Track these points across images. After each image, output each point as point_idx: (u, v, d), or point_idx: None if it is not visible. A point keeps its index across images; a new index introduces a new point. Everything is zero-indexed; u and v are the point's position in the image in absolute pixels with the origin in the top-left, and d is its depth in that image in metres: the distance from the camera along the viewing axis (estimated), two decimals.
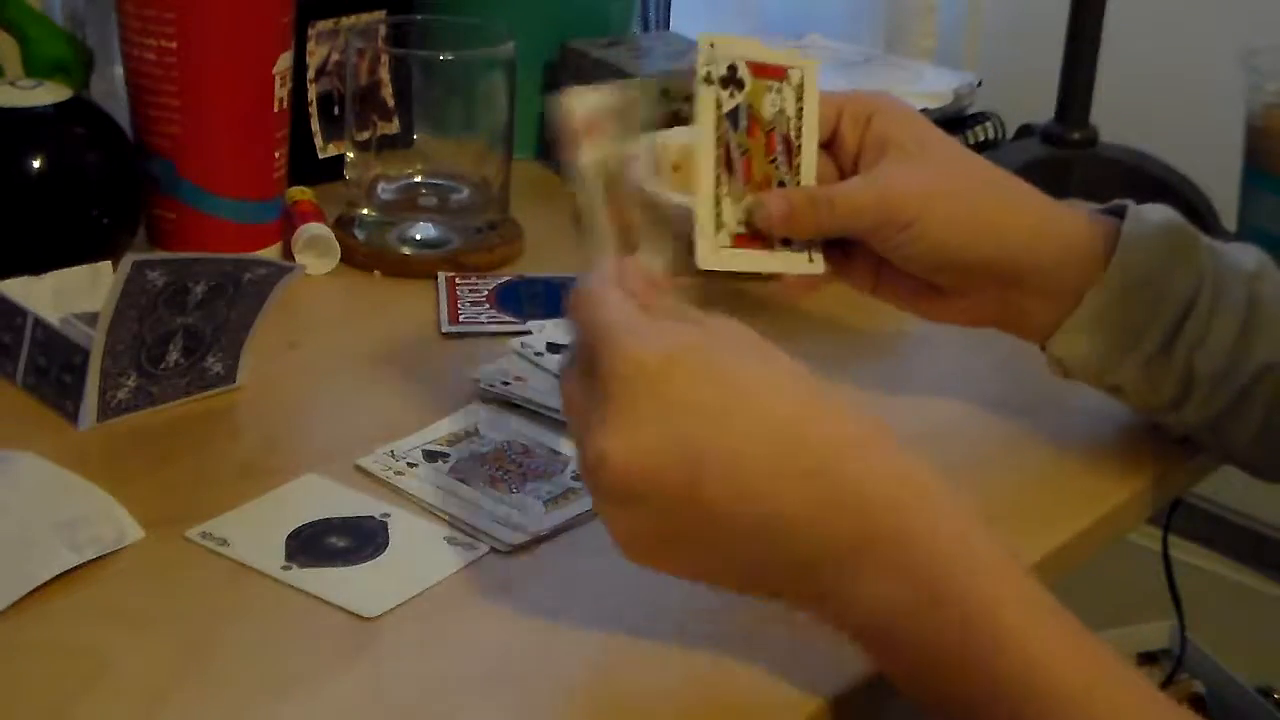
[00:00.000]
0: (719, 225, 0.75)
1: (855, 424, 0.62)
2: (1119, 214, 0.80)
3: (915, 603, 0.59)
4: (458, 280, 0.97)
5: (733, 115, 0.76)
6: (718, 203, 0.76)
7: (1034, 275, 0.78)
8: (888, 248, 0.78)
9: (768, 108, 0.77)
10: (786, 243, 0.78)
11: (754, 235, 0.77)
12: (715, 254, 0.75)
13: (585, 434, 0.61)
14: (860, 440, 0.62)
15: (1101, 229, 0.79)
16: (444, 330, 0.92)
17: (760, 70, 0.77)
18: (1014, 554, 0.61)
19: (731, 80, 0.76)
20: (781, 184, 0.77)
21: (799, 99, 0.78)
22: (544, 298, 0.96)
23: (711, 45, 0.76)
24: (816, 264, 0.79)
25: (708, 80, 0.75)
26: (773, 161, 0.77)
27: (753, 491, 0.60)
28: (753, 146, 0.77)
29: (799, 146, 0.78)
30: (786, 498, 0.60)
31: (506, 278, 0.98)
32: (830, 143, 0.80)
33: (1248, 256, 0.80)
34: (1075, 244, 0.79)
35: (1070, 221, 0.79)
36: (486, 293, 0.96)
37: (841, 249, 0.81)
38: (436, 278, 0.97)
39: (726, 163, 0.76)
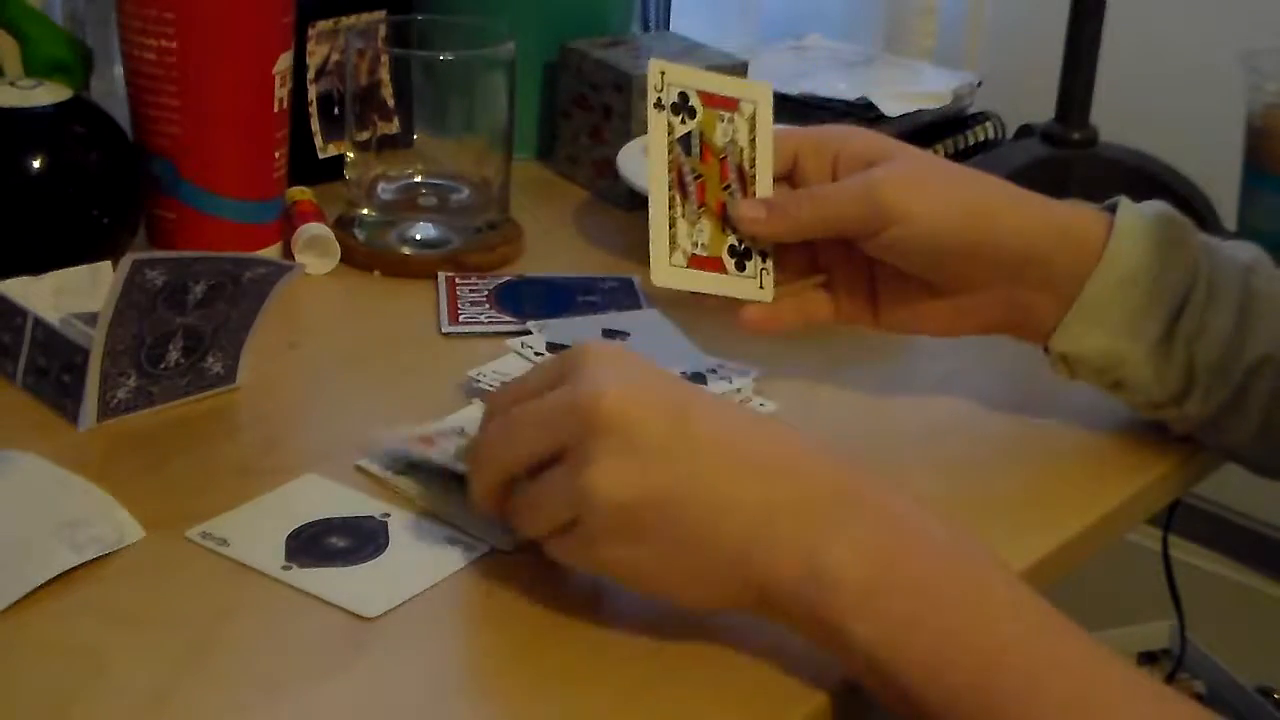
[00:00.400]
0: (673, 246, 0.76)
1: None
2: (1113, 210, 0.80)
3: (895, 546, 0.62)
4: (458, 280, 0.97)
5: (685, 141, 0.77)
6: (672, 224, 0.77)
7: (1031, 266, 0.78)
8: (881, 246, 0.78)
9: (720, 137, 0.78)
10: (741, 268, 0.78)
11: (709, 259, 0.78)
12: (667, 273, 0.77)
13: (559, 400, 0.64)
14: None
15: (1096, 220, 0.79)
16: (444, 330, 0.92)
17: (711, 100, 0.78)
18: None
19: (683, 108, 0.77)
20: None
21: (752, 130, 0.79)
22: (544, 298, 0.96)
23: (662, 73, 0.76)
24: (766, 292, 0.80)
25: (658, 106, 0.76)
26: (727, 188, 0.78)
27: (736, 428, 0.64)
28: (706, 172, 0.77)
29: (753, 176, 0.79)
30: (775, 444, 0.64)
31: (506, 278, 0.98)
32: (789, 176, 0.80)
33: (1242, 250, 0.81)
34: (1070, 233, 0.79)
35: (1064, 212, 0.80)
36: (486, 293, 0.96)
37: (835, 286, 0.82)
38: (436, 278, 0.97)
39: (680, 185, 0.76)
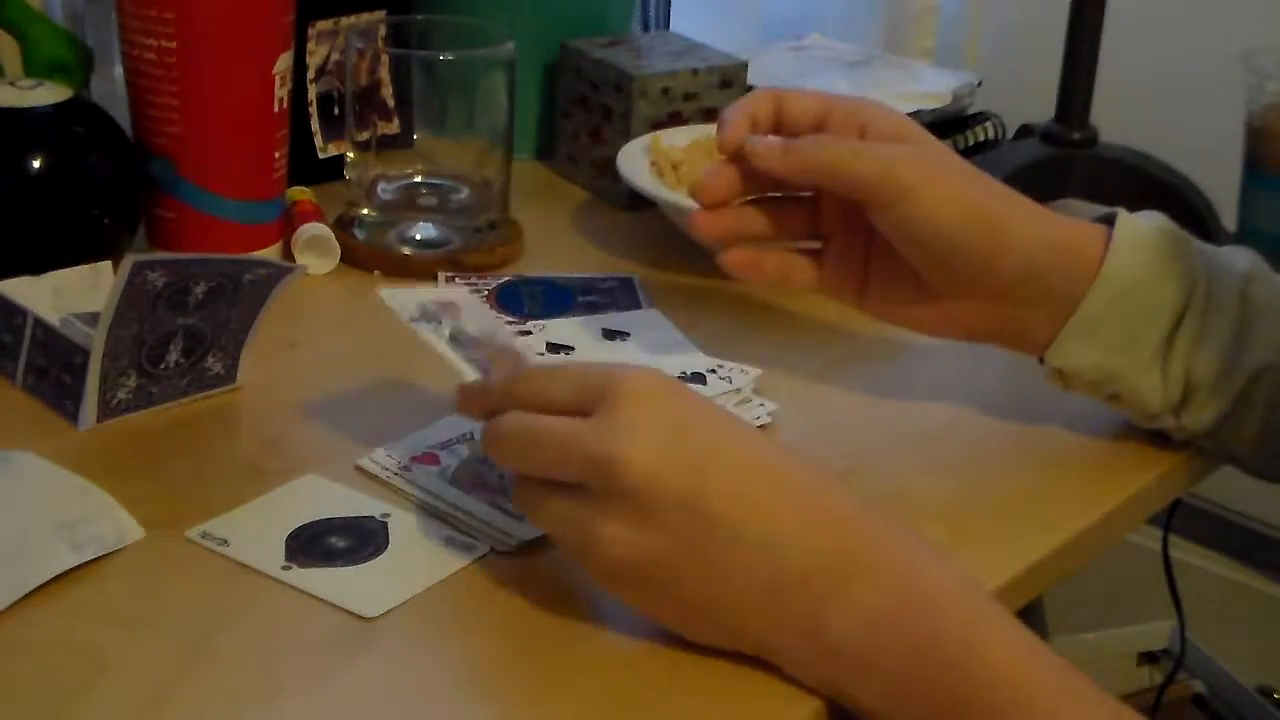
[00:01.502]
0: None
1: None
2: (1111, 222, 0.80)
3: (897, 610, 0.61)
4: (458, 280, 0.97)
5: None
6: None
7: (1028, 282, 0.78)
8: (886, 221, 0.77)
9: None
10: None
11: None
12: None
13: (585, 445, 0.63)
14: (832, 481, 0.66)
15: (1094, 236, 0.79)
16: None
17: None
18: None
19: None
20: None
21: None
22: (544, 298, 0.96)
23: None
24: None
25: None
26: None
27: (755, 502, 0.63)
28: None
29: None
30: (786, 513, 0.63)
31: (506, 278, 0.98)
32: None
33: (1240, 258, 0.81)
34: (1071, 252, 0.78)
35: (1067, 230, 0.79)
36: (486, 293, 0.96)
37: (828, 257, 0.82)
38: (436, 278, 0.97)
39: None
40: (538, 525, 0.67)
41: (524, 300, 0.95)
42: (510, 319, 0.92)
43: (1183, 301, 0.78)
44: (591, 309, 0.94)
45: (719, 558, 0.62)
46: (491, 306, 0.94)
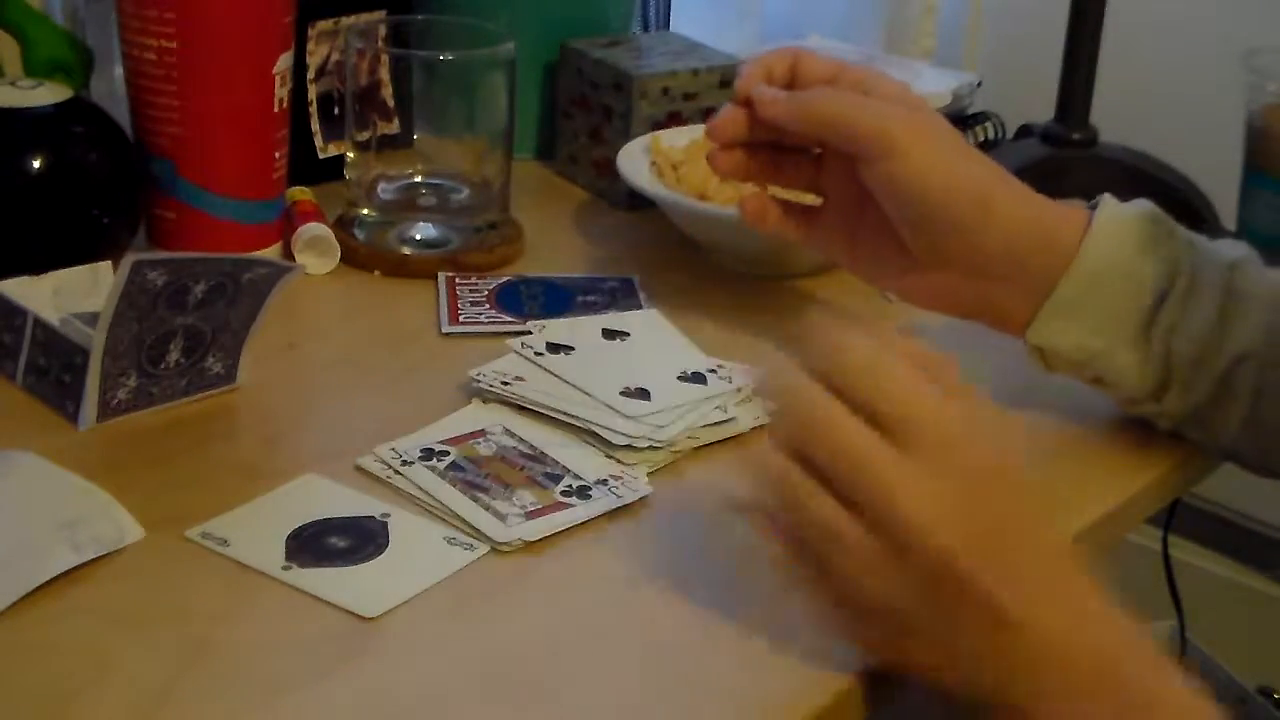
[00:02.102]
0: None
1: None
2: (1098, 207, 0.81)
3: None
4: (458, 280, 0.97)
5: None
6: None
7: (1007, 262, 0.79)
8: (874, 175, 0.79)
9: None
10: None
11: None
12: None
13: (880, 475, 0.60)
14: None
15: (1076, 220, 0.80)
16: (444, 330, 0.92)
17: None
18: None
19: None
20: None
21: None
22: (544, 298, 0.96)
23: None
24: None
25: None
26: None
27: (1021, 569, 0.61)
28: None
29: None
30: (1040, 581, 0.62)
31: (506, 278, 0.98)
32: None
33: (1231, 249, 0.81)
34: (1052, 235, 0.79)
35: (1053, 215, 0.80)
36: (486, 293, 0.96)
37: (825, 214, 0.85)
38: (436, 278, 0.97)
39: None
40: (781, 507, 0.63)
41: (523, 300, 0.95)
42: (510, 319, 0.92)
43: (1164, 284, 0.79)
44: (591, 309, 0.94)
45: (948, 622, 0.61)
46: (491, 306, 0.94)
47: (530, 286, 0.97)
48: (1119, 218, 0.79)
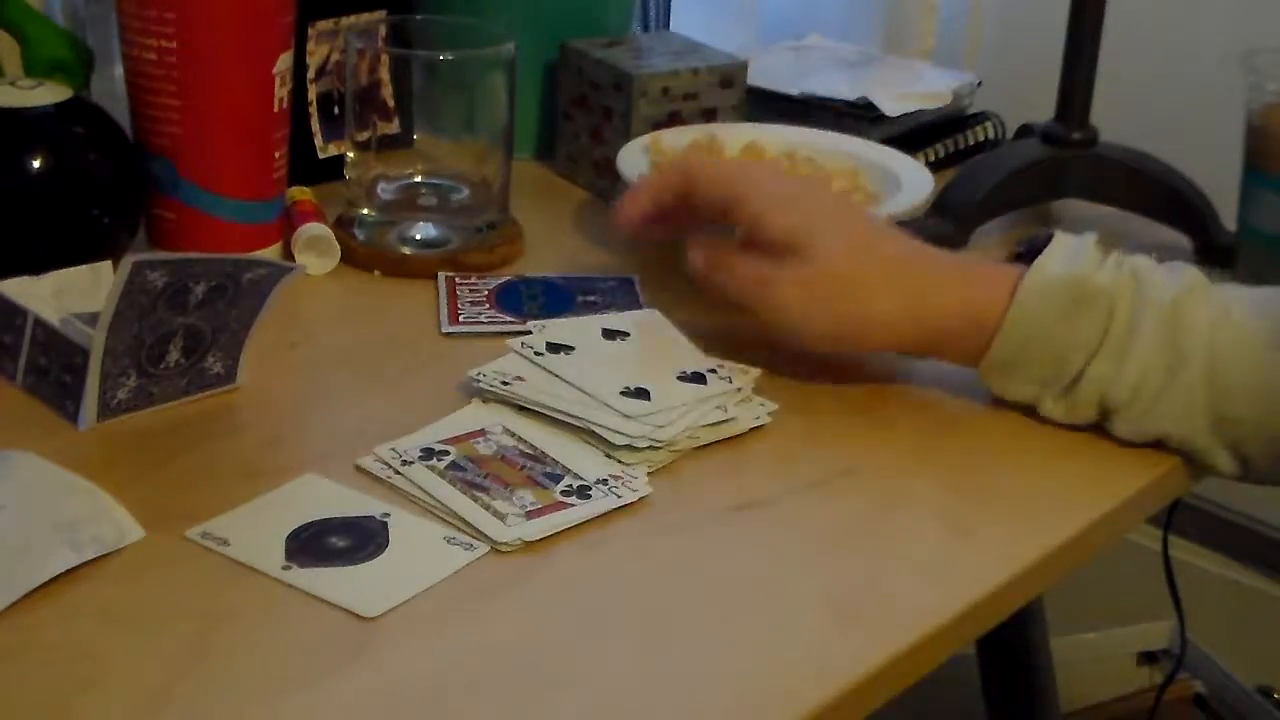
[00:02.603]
0: None
1: None
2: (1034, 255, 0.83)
3: None
4: (458, 280, 0.97)
5: None
6: None
7: (934, 347, 0.85)
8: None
9: None
10: None
11: None
12: None
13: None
14: None
15: (1001, 294, 0.82)
16: (444, 330, 0.92)
17: None
18: None
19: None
20: None
21: None
22: (544, 298, 0.96)
23: None
24: None
25: None
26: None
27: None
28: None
29: None
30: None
31: (506, 278, 0.98)
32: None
33: (1175, 279, 0.82)
34: (979, 315, 0.83)
35: (974, 292, 0.83)
36: (486, 293, 0.96)
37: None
38: (437, 278, 0.97)
39: None
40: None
41: (523, 300, 0.95)
42: (510, 319, 0.92)
43: (1094, 342, 0.81)
44: (591, 309, 0.94)
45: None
46: (491, 306, 0.94)
47: (530, 286, 0.97)
48: (1045, 282, 0.81)
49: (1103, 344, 0.81)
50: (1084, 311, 0.81)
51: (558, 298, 0.96)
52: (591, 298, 0.96)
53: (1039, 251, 0.83)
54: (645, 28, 1.43)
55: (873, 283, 0.83)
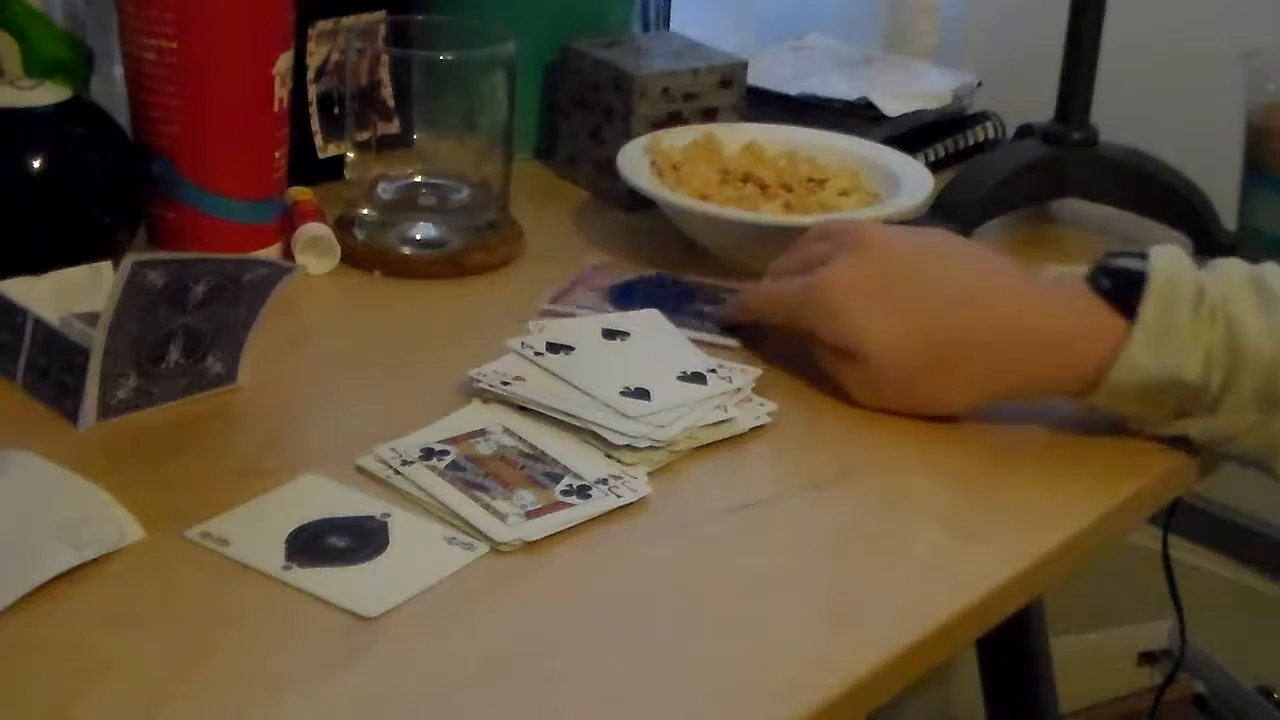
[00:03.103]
0: None
1: None
2: (1128, 287, 0.80)
3: None
4: (594, 267, 0.99)
5: None
6: None
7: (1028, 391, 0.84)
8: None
9: None
10: None
11: None
12: None
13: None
14: None
15: (1088, 367, 0.80)
16: (542, 308, 0.93)
17: None
18: None
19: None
20: None
21: None
22: (655, 299, 0.95)
23: None
24: None
25: None
26: None
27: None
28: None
29: None
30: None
31: (626, 277, 0.98)
32: None
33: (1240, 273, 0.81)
34: (1070, 354, 0.81)
35: (1056, 360, 0.82)
36: (606, 288, 0.97)
37: None
38: (583, 266, 0.99)
39: None
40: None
41: (637, 298, 0.95)
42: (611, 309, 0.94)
43: (1188, 409, 0.81)
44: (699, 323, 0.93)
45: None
46: (606, 302, 0.95)
47: (647, 285, 0.97)
48: (1135, 384, 0.80)
49: (1194, 411, 0.81)
50: (1175, 394, 0.80)
51: (668, 300, 0.95)
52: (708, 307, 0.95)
53: (1126, 281, 0.80)
54: (645, 28, 1.43)
55: (935, 373, 0.83)
